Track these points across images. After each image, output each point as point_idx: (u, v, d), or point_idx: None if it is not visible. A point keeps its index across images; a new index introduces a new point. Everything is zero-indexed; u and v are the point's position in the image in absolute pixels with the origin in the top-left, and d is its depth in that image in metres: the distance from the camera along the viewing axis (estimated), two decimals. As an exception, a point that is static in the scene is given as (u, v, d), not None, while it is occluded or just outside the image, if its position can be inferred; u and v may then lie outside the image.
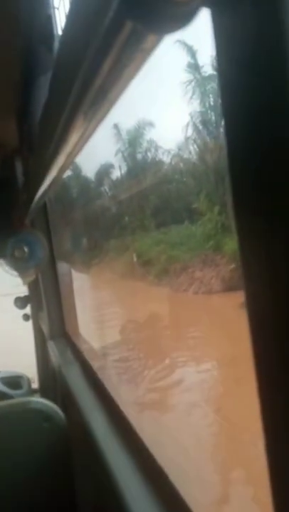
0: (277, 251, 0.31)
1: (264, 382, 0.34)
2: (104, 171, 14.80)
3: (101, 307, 10.75)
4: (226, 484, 3.80)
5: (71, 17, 0.52)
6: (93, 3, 0.40)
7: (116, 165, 14.55)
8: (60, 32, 1.11)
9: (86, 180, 15.12)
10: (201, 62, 11.43)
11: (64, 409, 1.62)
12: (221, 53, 0.34)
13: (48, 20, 1.14)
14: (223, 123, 0.36)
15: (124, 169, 14.44)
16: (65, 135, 0.66)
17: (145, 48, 0.36)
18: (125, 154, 14.07)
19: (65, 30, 0.57)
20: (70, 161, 0.81)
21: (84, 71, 0.46)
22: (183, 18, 0.30)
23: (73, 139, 0.66)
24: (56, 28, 1.13)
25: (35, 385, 2.84)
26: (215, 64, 0.35)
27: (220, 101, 0.36)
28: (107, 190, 15.23)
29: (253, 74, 0.31)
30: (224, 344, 6.48)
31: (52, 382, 2.24)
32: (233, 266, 9.10)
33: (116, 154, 14.04)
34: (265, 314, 0.33)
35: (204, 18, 0.40)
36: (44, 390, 2.70)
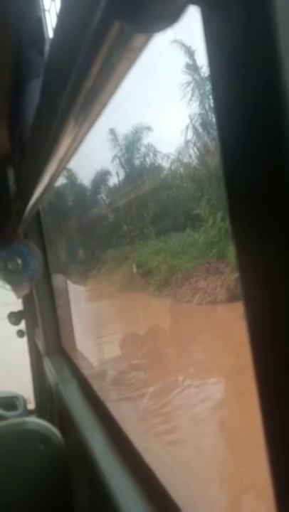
0: (272, 255, 0.32)
1: (264, 387, 0.35)
2: (101, 178, 14.88)
3: (100, 321, 10.70)
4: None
5: (61, 19, 0.54)
6: (82, 5, 0.41)
7: (113, 171, 14.61)
8: (50, 35, 1.13)
9: (82, 188, 15.19)
10: (199, 63, 11.54)
11: (61, 429, 1.62)
12: (211, 52, 0.35)
13: (39, 23, 1.16)
14: (215, 123, 0.37)
15: (121, 176, 14.51)
16: (56, 140, 0.67)
17: (134, 47, 0.37)
18: (122, 160, 14.16)
19: (56, 32, 0.59)
20: (62, 167, 0.82)
21: (74, 73, 0.47)
22: (170, 16, 0.31)
23: (65, 143, 0.67)
24: (47, 30, 1.15)
25: (31, 406, 2.82)
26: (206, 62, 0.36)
27: (212, 100, 0.36)
28: (104, 197, 15.28)
29: (244, 72, 0.32)
30: (231, 356, 6.45)
31: (48, 402, 2.23)
32: (237, 274, 9.03)
33: (113, 160, 14.11)
34: (263, 318, 0.33)
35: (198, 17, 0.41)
36: (40, 410, 2.68)
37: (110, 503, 0.99)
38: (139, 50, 0.37)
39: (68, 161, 0.78)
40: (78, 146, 0.68)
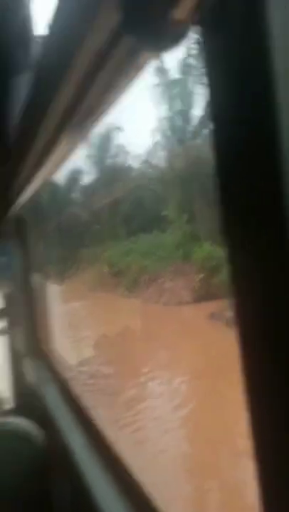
0: (261, 248, 0.34)
1: (251, 380, 0.36)
2: (72, 177, 14.67)
3: (72, 322, 10.60)
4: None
5: (55, 19, 0.54)
6: (83, 15, 0.42)
7: (84, 170, 14.48)
8: (36, 32, 1.12)
9: (54, 186, 14.92)
10: (167, 67, 11.59)
11: (42, 429, 1.61)
12: (211, 70, 0.37)
13: (26, 21, 1.14)
14: (211, 135, 0.39)
15: (92, 176, 14.39)
16: (45, 155, 0.66)
17: (139, 65, 0.38)
18: (94, 160, 14.07)
19: (49, 38, 0.58)
20: (52, 173, 0.82)
21: (70, 89, 0.48)
22: (178, 36, 0.33)
23: (55, 158, 0.66)
24: (33, 28, 1.14)
25: (8, 406, 2.77)
26: (205, 79, 0.38)
27: (209, 111, 0.38)
28: (75, 197, 15.11)
29: (242, 88, 0.34)
30: (195, 355, 6.57)
31: (28, 402, 2.20)
32: (202, 275, 9.30)
33: (85, 160, 14.00)
34: (251, 308, 0.35)
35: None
36: (20, 410, 2.64)
37: (90, 502, 1.00)
38: (143, 68, 0.39)
39: (56, 171, 0.78)
40: (69, 157, 0.68)
